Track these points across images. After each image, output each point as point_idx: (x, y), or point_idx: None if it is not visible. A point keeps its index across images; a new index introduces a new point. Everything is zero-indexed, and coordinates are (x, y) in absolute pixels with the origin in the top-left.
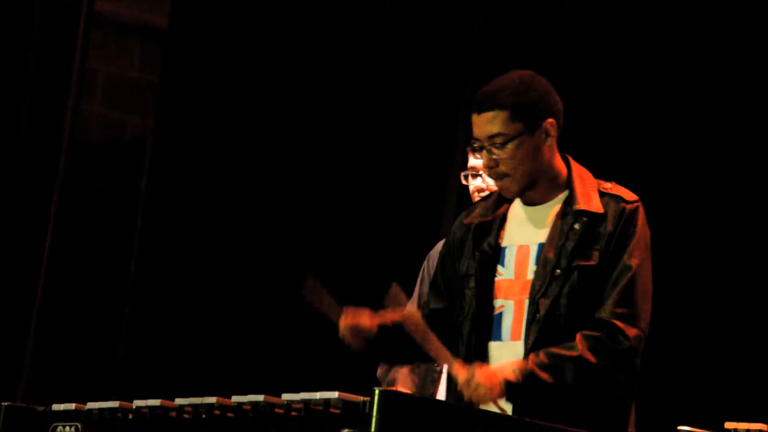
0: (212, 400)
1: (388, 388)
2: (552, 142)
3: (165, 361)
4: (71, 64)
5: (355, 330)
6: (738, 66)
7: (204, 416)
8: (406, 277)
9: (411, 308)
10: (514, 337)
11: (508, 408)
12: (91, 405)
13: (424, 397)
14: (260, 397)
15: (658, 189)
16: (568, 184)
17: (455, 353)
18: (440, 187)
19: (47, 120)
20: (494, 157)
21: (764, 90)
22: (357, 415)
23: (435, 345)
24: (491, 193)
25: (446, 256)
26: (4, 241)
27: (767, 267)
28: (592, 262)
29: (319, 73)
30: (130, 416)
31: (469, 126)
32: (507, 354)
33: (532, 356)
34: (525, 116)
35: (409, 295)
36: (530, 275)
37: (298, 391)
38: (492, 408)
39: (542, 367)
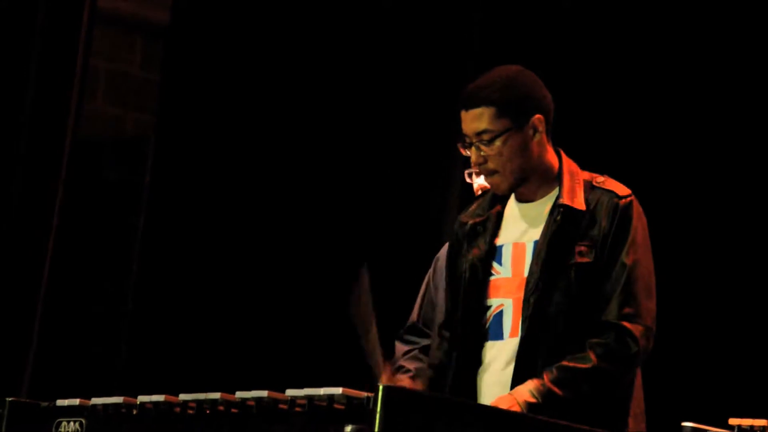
0: (216, 395)
1: (392, 384)
2: (541, 137)
3: (169, 357)
4: (74, 61)
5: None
6: (737, 63)
7: (208, 412)
8: (406, 276)
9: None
10: (513, 335)
11: None
12: (95, 400)
13: (428, 393)
14: (264, 393)
15: (661, 184)
16: (558, 179)
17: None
18: (443, 187)
19: (50, 117)
20: (482, 153)
21: (763, 85)
22: (361, 411)
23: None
24: (486, 191)
25: (450, 256)
26: (7, 238)
27: None
28: (587, 260)
29: (320, 72)
30: (135, 412)
31: None
32: (505, 353)
33: (546, 374)
34: (512, 112)
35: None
36: (527, 273)
37: (302, 387)
38: None
39: (558, 383)
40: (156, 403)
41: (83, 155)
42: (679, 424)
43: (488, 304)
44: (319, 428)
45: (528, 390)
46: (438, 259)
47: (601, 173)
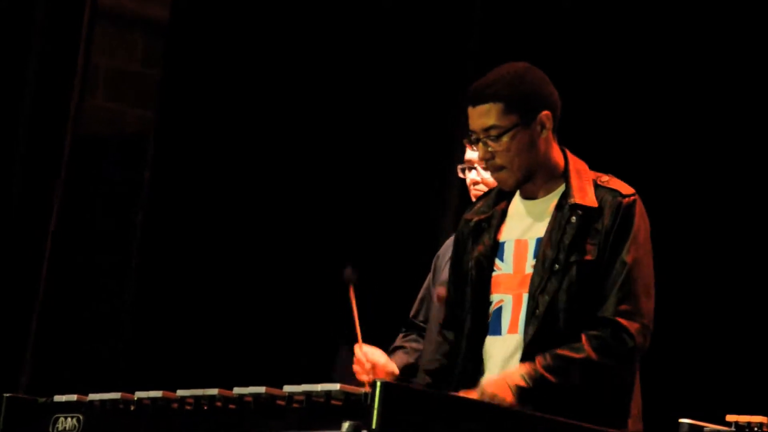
0: (214, 391)
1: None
2: (548, 134)
3: (167, 353)
4: (75, 58)
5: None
6: (737, 63)
7: (206, 408)
8: (406, 276)
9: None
10: (512, 331)
11: None
12: (92, 396)
13: (425, 389)
14: (262, 389)
15: (661, 183)
16: (565, 177)
17: (459, 348)
18: (441, 187)
19: (50, 114)
20: (490, 149)
21: (764, 85)
22: (358, 407)
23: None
24: (492, 189)
25: (455, 254)
26: (6, 235)
27: None
28: (589, 257)
29: (320, 71)
30: (132, 408)
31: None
32: (503, 348)
33: (539, 359)
34: (520, 108)
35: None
36: (528, 270)
37: (299, 383)
38: None
39: (550, 369)
40: (153, 399)
41: (83, 152)
42: (677, 420)
43: (490, 300)
44: (316, 424)
45: (520, 374)
46: (438, 257)
47: (605, 173)
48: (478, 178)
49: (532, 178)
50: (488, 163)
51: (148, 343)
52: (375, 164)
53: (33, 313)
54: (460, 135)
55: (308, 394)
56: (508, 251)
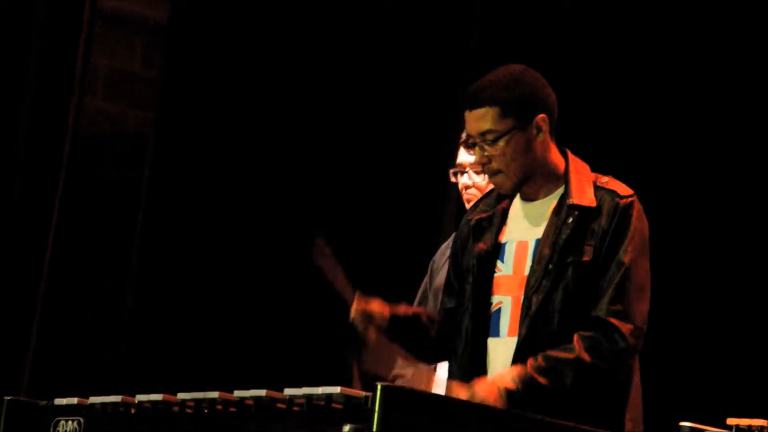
0: (215, 394)
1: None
2: (545, 136)
3: (167, 356)
4: (74, 58)
5: (367, 315)
6: (737, 63)
7: (206, 411)
8: (407, 276)
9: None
10: (511, 334)
11: None
12: (93, 399)
13: (426, 392)
14: (262, 392)
15: (661, 184)
16: (565, 178)
17: (457, 350)
18: (441, 187)
19: (50, 114)
20: (486, 153)
21: (764, 85)
22: (359, 410)
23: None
24: (493, 190)
25: (455, 254)
26: (6, 236)
27: None
28: (586, 258)
29: (320, 71)
30: (133, 411)
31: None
32: (504, 350)
33: (530, 361)
34: (516, 112)
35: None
36: (527, 271)
37: (300, 386)
38: None
39: (540, 371)
40: (154, 402)
41: (83, 152)
42: (677, 424)
43: (490, 301)
44: (317, 427)
45: (510, 377)
46: (434, 262)
47: (605, 174)
48: (470, 182)
49: (530, 180)
50: (485, 167)
51: (148, 345)
52: (375, 164)
53: (34, 315)
54: (457, 136)
55: (309, 398)
56: (509, 252)
